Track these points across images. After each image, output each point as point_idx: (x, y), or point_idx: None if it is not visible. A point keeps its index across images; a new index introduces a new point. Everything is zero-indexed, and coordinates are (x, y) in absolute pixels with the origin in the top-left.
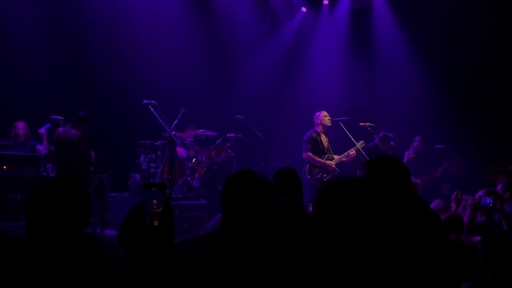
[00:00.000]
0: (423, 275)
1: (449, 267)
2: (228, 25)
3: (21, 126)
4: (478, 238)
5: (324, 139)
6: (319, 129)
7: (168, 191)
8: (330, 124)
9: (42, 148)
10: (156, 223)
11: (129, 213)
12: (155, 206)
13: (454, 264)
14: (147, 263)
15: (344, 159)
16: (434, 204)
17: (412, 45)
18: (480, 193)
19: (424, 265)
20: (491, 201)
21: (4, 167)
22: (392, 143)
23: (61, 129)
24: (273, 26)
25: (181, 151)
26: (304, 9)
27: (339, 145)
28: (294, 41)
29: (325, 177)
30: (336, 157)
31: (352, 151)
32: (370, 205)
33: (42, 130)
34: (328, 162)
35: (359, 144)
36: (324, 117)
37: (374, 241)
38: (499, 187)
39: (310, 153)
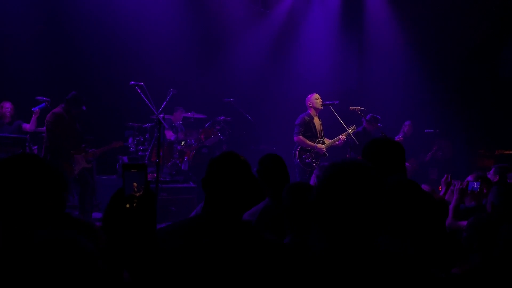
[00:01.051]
0: (419, 257)
1: (443, 249)
2: (218, 6)
3: (7, 106)
4: (464, 223)
5: (317, 122)
6: (312, 112)
7: (156, 174)
8: (321, 107)
9: (28, 127)
10: (135, 206)
11: (112, 198)
12: (135, 189)
13: (446, 246)
14: (128, 248)
15: (335, 143)
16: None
17: (403, 28)
18: (469, 178)
19: (420, 246)
20: (478, 186)
21: None
22: (379, 124)
23: None
24: (264, 7)
25: (169, 134)
26: None
27: (330, 128)
28: (285, 23)
29: (314, 162)
30: (327, 141)
31: (343, 136)
32: (376, 189)
33: (36, 109)
34: (319, 146)
35: (351, 130)
36: (316, 99)
37: (377, 225)
38: (491, 171)
39: (301, 137)
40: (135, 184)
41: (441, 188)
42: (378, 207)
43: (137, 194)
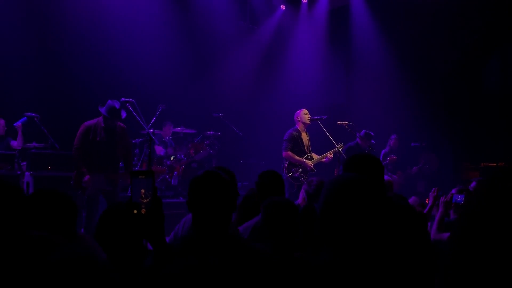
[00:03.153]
0: (402, 271)
1: (426, 262)
2: (207, 23)
3: (1, 123)
4: (447, 234)
5: (304, 137)
6: (300, 127)
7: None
8: (309, 122)
9: (16, 144)
10: (143, 211)
11: (104, 212)
12: (143, 196)
13: (430, 259)
14: (134, 255)
15: (322, 160)
16: (411, 201)
17: (389, 44)
18: (453, 191)
19: (403, 261)
20: (463, 199)
21: None
22: (372, 141)
23: None
24: (252, 24)
25: (159, 149)
26: (283, 7)
27: (319, 144)
28: (273, 39)
29: (302, 176)
30: (315, 156)
31: (330, 154)
32: (377, 203)
33: (18, 124)
34: (307, 162)
35: (339, 147)
36: (304, 114)
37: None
38: (473, 185)
39: (289, 152)
40: (142, 190)
41: (428, 201)
42: (378, 218)
43: (145, 201)
